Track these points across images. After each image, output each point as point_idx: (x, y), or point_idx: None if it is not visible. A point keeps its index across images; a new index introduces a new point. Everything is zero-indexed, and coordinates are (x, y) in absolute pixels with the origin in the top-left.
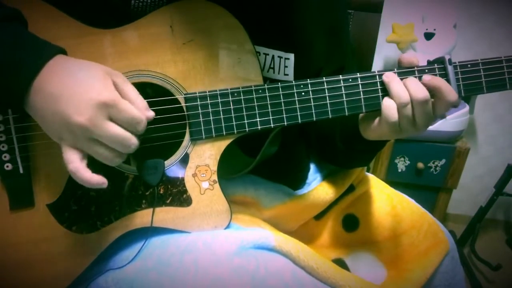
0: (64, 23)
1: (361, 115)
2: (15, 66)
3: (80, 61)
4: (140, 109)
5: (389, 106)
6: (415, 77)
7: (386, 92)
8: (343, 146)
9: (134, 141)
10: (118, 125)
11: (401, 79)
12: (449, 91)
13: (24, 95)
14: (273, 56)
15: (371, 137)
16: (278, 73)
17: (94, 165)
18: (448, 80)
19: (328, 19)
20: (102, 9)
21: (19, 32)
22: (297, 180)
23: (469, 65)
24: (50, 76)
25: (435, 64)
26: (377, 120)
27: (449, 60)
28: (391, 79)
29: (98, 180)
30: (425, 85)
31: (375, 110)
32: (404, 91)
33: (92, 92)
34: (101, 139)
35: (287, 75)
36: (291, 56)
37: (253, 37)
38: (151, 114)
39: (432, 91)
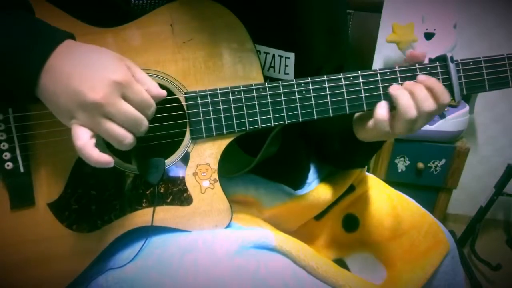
0: (65, 22)
1: (355, 116)
2: (25, 51)
3: (91, 45)
4: (152, 90)
5: (381, 119)
6: (416, 75)
7: (387, 90)
8: (340, 147)
9: (145, 122)
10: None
11: (407, 88)
12: (442, 93)
13: (36, 78)
14: (273, 55)
15: (365, 139)
16: (279, 72)
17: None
18: (450, 78)
19: (328, 19)
20: (102, 8)
21: (28, 18)
22: (298, 180)
23: (471, 63)
24: (61, 57)
25: (437, 62)
26: (370, 123)
27: (451, 57)
28: (399, 94)
29: (106, 159)
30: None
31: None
32: (412, 108)
33: (107, 71)
34: (114, 118)
35: (288, 74)
36: (292, 55)
37: (254, 36)
38: (162, 93)
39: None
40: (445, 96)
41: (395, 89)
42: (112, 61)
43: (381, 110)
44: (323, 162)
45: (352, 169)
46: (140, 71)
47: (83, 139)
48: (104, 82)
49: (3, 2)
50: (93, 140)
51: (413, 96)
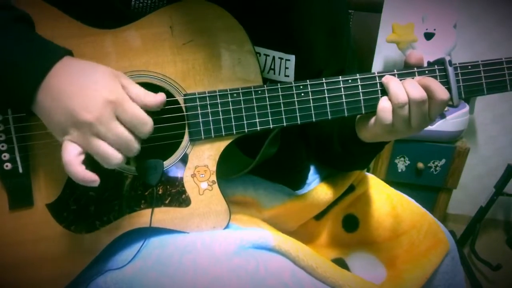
0: (64, 23)
1: (358, 116)
2: (23, 68)
3: (88, 62)
4: (149, 102)
5: (384, 108)
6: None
7: (385, 93)
8: (340, 148)
9: (136, 145)
10: (124, 126)
11: (400, 80)
12: (440, 90)
13: (32, 95)
14: (273, 57)
15: (367, 138)
16: (279, 74)
17: (93, 164)
18: (448, 82)
19: (329, 21)
20: (102, 9)
21: (28, 34)
22: (297, 180)
23: (469, 67)
24: (58, 75)
25: (435, 65)
26: (372, 120)
27: (449, 61)
28: (390, 79)
29: (90, 177)
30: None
31: (375, 111)
32: (402, 92)
33: (101, 91)
34: (105, 138)
35: (288, 76)
36: (292, 58)
37: (254, 38)
38: (161, 97)
39: (424, 91)
40: (442, 92)
41: (387, 78)
42: (108, 80)
43: (383, 102)
44: (324, 165)
45: (353, 171)
46: (135, 87)
47: (70, 155)
48: (97, 102)
49: (3, 17)
50: (81, 157)
51: (403, 85)
